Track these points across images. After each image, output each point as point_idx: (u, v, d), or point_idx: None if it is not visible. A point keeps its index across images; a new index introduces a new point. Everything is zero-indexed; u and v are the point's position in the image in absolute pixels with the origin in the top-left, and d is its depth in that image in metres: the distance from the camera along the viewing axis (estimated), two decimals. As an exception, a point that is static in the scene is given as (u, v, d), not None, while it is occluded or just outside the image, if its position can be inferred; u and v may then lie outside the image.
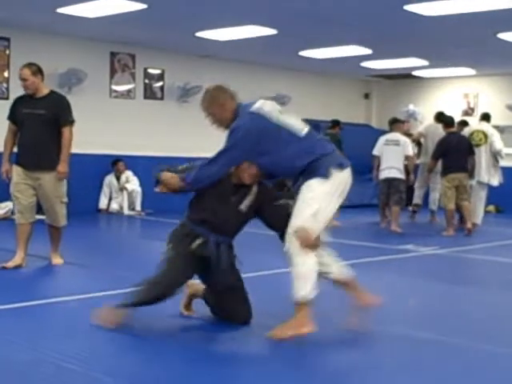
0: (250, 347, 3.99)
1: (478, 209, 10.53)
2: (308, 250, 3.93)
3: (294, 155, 4.07)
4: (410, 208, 11.70)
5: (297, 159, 4.07)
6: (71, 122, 6.30)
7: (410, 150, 10.30)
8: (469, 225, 9.81)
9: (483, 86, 14.60)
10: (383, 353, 3.96)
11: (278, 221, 4.17)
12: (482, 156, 10.47)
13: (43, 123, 6.17)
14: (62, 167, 6.24)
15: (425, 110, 14.56)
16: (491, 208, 12.68)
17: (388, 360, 3.82)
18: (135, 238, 9.63)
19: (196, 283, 4.59)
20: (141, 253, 7.80)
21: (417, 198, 11.68)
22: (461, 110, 14.68)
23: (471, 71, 13.91)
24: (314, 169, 4.02)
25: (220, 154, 4.24)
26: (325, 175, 4.00)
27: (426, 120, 14.01)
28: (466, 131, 10.72)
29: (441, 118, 11.02)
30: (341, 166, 4.08)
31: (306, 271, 3.94)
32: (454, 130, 10.30)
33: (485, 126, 10.84)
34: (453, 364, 3.71)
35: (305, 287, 3.93)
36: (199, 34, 10.76)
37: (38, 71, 6.23)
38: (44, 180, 6.23)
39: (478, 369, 3.65)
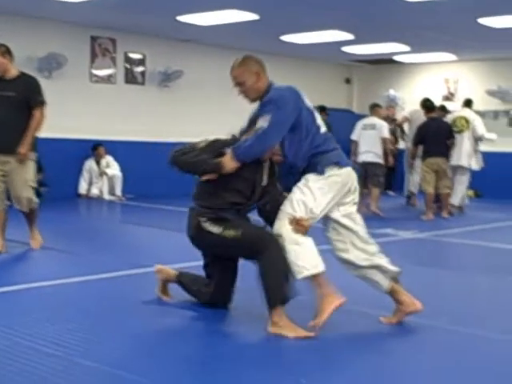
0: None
1: (457, 191, 10.63)
2: (300, 234, 3.92)
3: (309, 146, 4.02)
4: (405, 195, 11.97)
5: (308, 152, 4.02)
6: (42, 103, 6.11)
7: (386, 132, 10.36)
8: (445, 214, 9.94)
9: (463, 71, 14.66)
10: (364, 335, 4.00)
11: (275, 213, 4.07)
12: (464, 142, 10.53)
13: (12, 105, 6.01)
14: (23, 148, 6.00)
15: (405, 95, 14.59)
16: (470, 193, 12.75)
17: (364, 342, 3.86)
18: (115, 223, 9.61)
19: (166, 268, 4.61)
20: (121, 238, 7.80)
21: (410, 186, 11.91)
22: (441, 95, 14.74)
23: (452, 56, 13.96)
24: (314, 164, 4.01)
25: (271, 125, 3.91)
26: (320, 172, 3.99)
27: (406, 105, 14.07)
28: (449, 118, 10.79)
29: (427, 104, 11.16)
30: (338, 165, 4.05)
31: (305, 248, 3.90)
32: (434, 115, 10.37)
33: (467, 112, 10.92)
34: (430, 346, 3.76)
35: (310, 262, 3.88)
36: (180, 19, 10.71)
37: (6, 52, 6.04)
38: (13, 163, 6.06)
39: (454, 351, 3.69)
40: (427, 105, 10.49)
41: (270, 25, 11.07)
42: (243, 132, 4.24)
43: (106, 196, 11.53)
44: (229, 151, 4.01)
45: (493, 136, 11.08)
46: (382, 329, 4.07)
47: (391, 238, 7.78)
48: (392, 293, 4.15)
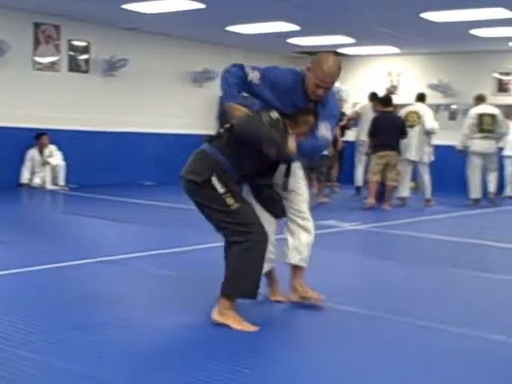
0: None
1: (402, 184, 10.90)
2: None
3: None
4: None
5: None
6: None
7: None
8: (386, 206, 10.18)
9: (406, 64, 14.90)
10: (308, 327, 4.06)
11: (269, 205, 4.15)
12: (415, 136, 10.77)
13: None
14: None
15: (350, 88, 14.79)
16: (412, 185, 12.98)
17: (313, 334, 3.93)
18: (58, 213, 9.50)
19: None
20: (63, 228, 7.72)
21: (358, 180, 12.31)
22: (384, 87, 14.94)
23: (395, 50, 14.16)
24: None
25: (330, 138, 4.08)
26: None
27: (350, 97, 14.29)
28: (401, 113, 11.05)
29: (375, 97, 11.38)
30: None
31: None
32: (389, 109, 10.58)
33: (418, 107, 11.12)
34: (375, 336, 3.84)
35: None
36: (125, 7, 10.61)
37: None
38: None
39: (398, 341, 3.76)
40: (384, 98, 10.78)
41: (216, 14, 11.06)
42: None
43: (49, 186, 11.37)
44: (292, 137, 3.92)
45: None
46: (315, 319, 4.14)
47: (334, 229, 7.88)
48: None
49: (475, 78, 13.84)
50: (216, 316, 3.85)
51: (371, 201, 10.10)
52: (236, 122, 3.91)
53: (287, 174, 4.17)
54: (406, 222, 9.10)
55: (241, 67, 4.03)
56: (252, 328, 3.80)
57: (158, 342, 3.58)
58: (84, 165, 12.00)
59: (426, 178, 11.06)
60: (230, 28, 12.26)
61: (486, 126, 11.14)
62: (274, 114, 3.92)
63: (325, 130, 3.99)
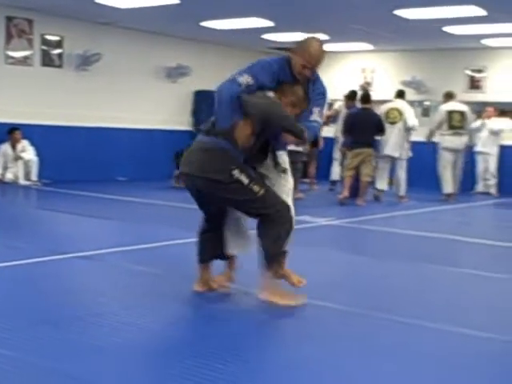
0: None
1: (381, 178, 11.09)
2: None
3: None
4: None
5: None
6: None
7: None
8: (360, 201, 10.27)
9: (380, 61, 14.99)
10: (291, 323, 4.08)
11: None
12: (395, 132, 10.92)
13: None
14: None
15: (324, 84, 14.81)
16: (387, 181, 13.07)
17: (291, 330, 3.95)
18: (31, 208, 9.43)
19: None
20: (36, 224, 7.67)
21: (335, 174, 12.44)
22: (358, 84, 15.02)
23: (369, 46, 14.24)
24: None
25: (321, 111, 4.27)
26: None
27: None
28: (381, 109, 11.17)
29: (354, 96, 11.48)
30: None
31: None
32: (367, 106, 10.67)
33: (399, 104, 11.26)
34: (354, 332, 3.86)
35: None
36: (99, 1, 10.55)
37: None
38: None
39: (376, 337, 3.78)
40: (363, 96, 10.89)
41: (191, 9, 11.03)
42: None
43: (22, 181, 11.28)
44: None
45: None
46: (297, 316, 4.16)
47: (308, 224, 7.91)
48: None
49: (448, 74, 13.97)
50: (265, 295, 4.11)
51: (345, 193, 10.19)
52: (258, 104, 4.01)
53: (275, 163, 4.28)
54: (379, 218, 9.17)
55: (233, 81, 4.10)
56: (300, 300, 4.14)
57: (132, 338, 3.58)
58: (57, 160, 11.92)
59: (403, 174, 11.18)
60: (205, 23, 12.24)
61: (455, 123, 11.35)
62: (271, 95, 4.09)
63: (316, 117, 4.19)
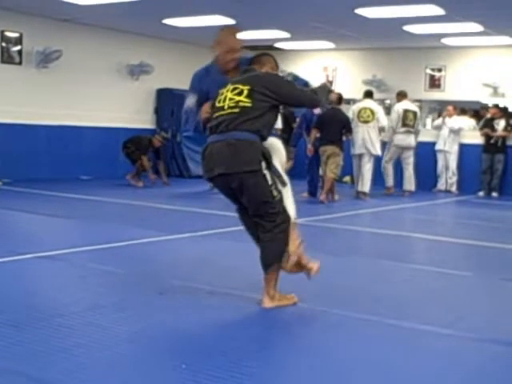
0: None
1: (366, 179, 11.37)
2: None
3: None
4: None
5: None
6: None
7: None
8: (322, 197, 10.44)
9: (342, 59, 15.08)
10: (262, 324, 4.11)
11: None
12: (371, 131, 11.36)
13: None
14: None
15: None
16: (348, 179, 13.20)
17: (271, 330, 3.98)
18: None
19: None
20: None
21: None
22: (320, 82, 15.07)
23: (331, 45, 14.31)
24: None
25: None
26: None
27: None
28: (353, 108, 11.51)
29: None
30: None
31: None
32: (336, 105, 10.86)
33: (371, 104, 11.66)
34: (314, 329, 3.92)
35: None
36: (59, -3, 10.45)
37: None
38: None
39: (337, 333, 3.85)
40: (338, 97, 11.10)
41: (152, 7, 10.98)
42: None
43: (-19, 180, 11.14)
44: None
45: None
46: (267, 315, 4.19)
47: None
48: None
49: (408, 73, 14.11)
50: (267, 303, 4.16)
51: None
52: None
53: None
54: (340, 216, 9.23)
55: (187, 102, 4.65)
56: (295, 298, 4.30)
57: (97, 339, 3.56)
58: (18, 159, 11.77)
59: (369, 171, 11.45)
60: (167, 21, 12.19)
61: (408, 122, 12.03)
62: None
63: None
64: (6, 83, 11.88)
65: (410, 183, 12.15)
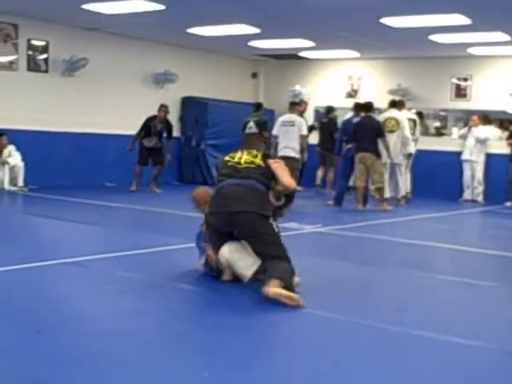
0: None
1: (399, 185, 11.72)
2: None
3: None
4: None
5: None
6: None
7: (305, 129, 10.77)
8: (361, 206, 10.74)
9: (367, 69, 15.03)
10: (262, 327, 4.08)
11: None
12: (397, 141, 11.44)
13: None
14: None
15: (311, 91, 14.89)
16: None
17: (272, 334, 3.95)
18: (16, 214, 9.37)
19: None
20: (22, 229, 7.62)
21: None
22: (344, 92, 15.07)
23: (356, 54, 14.28)
24: None
25: None
26: None
27: (311, 100, 14.41)
28: (380, 118, 11.46)
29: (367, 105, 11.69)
30: None
31: None
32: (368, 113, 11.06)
33: (396, 114, 11.68)
34: (340, 338, 3.88)
35: None
36: (85, 7, 10.52)
37: None
38: None
39: (357, 341, 3.82)
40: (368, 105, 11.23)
41: (177, 16, 11.03)
42: None
43: (7, 186, 11.22)
44: None
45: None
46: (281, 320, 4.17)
47: (295, 231, 7.91)
48: None
49: (434, 83, 14.04)
50: (272, 293, 4.32)
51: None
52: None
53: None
54: (367, 225, 9.16)
55: None
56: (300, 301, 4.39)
57: (117, 345, 3.55)
58: (43, 166, 11.86)
59: (401, 179, 11.70)
60: (191, 30, 12.24)
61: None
62: None
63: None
64: (33, 91, 12.00)
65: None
